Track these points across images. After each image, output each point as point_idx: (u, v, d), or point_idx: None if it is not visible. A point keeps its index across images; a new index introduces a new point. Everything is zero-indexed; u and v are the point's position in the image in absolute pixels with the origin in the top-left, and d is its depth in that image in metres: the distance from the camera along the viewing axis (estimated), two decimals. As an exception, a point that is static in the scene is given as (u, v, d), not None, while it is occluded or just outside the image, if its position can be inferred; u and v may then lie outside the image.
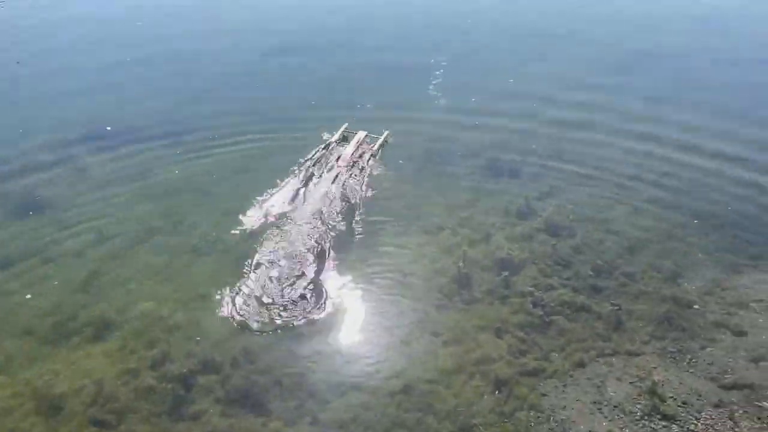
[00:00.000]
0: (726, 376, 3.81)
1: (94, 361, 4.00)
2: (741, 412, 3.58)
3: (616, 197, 5.51)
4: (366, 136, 6.39)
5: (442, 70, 8.05)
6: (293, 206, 5.42)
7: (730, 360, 3.92)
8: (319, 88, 7.80)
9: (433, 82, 7.73)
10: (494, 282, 4.64)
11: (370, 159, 6.13)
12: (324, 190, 5.55)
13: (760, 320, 4.20)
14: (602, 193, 5.59)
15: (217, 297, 4.41)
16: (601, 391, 3.80)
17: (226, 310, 4.32)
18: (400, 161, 6.13)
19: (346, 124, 6.65)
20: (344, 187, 5.59)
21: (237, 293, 4.46)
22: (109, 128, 6.73)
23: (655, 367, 3.91)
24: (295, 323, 4.22)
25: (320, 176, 5.74)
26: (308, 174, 5.75)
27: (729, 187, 5.56)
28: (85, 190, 5.77)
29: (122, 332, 4.21)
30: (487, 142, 6.39)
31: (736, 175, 5.71)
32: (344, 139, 6.46)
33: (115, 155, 6.28)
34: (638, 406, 3.67)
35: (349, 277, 4.63)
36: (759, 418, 3.53)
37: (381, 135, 6.43)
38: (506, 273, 4.72)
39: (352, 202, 5.49)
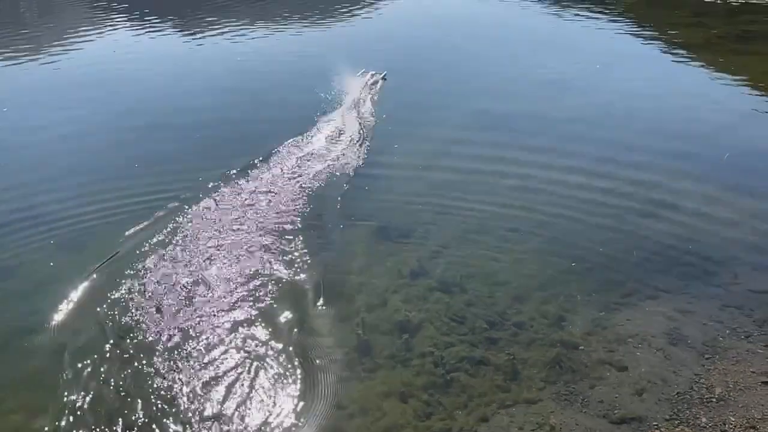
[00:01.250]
0: (615, 411, 4.04)
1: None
2: (632, 444, 3.80)
3: (499, 250, 5.83)
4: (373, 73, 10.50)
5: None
6: None
7: (617, 395, 4.17)
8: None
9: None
10: (395, 346, 4.68)
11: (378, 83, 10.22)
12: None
13: (638, 354, 4.53)
14: (487, 247, 5.88)
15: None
16: (505, 443, 3.88)
17: None
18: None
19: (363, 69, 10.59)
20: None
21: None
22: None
23: (552, 412, 4.07)
24: None
25: None
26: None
27: (598, 232, 6.06)
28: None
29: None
30: (374, 206, 6.57)
31: (601, 220, 6.25)
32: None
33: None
34: (541, 453, 3.78)
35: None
36: (648, 449, 3.76)
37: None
38: (406, 335, 4.78)
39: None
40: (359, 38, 15.00)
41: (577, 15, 16.93)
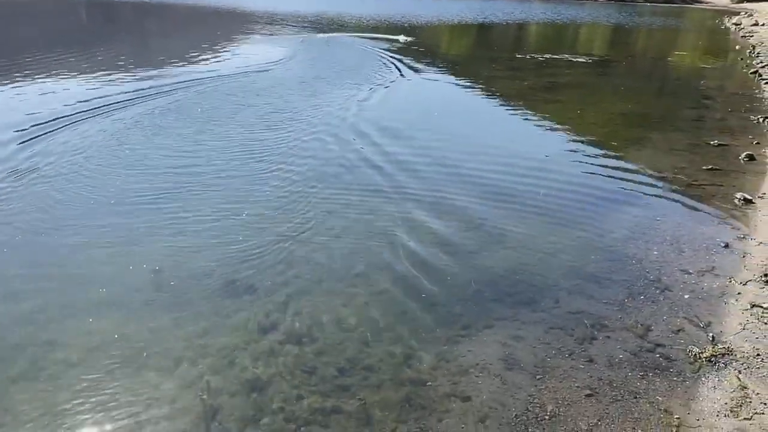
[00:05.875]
0: (462, 442, 4.21)
1: None
2: (479, 472, 3.96)
3: (347, 295, 5.89)
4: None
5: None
6: None
7: (463, 426, 4.35)
8: None
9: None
10: (244, 407, 4.47)
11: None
12: None
13: (479, 382, 4.79)
14: (335, 293, 5.91)
15: None
16: (361, 491, 3.84)
17: None
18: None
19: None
20: None
21: None
22: None
23: (404, 452, 4.13)
24: None
25: None
26: None
27: (435, 269, 6.38)
28: None
29: None
30: (216, 265, 6.33)
31: (438, 257, 6.62)
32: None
33: None
34: (395, 496, 3.79)
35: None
36: (493, 473, 3.95)
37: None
38: (255, 394, 4.59)
39: None
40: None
41: (409, 66, 18.15)
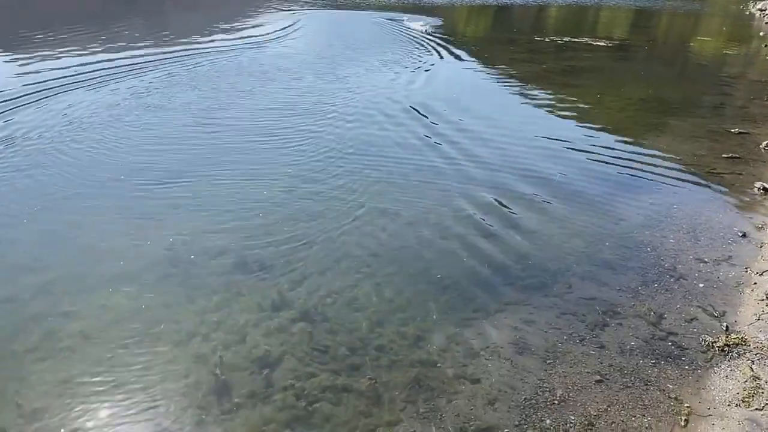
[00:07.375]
0: (470, 423, 4.23)
1: None
2: (487, 453, 3.99)
3: (360, 276, 5.91)
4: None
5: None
6: None
7: (472, 407, 4.38)
8: None
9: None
10: (255, 383, 4.53)
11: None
12: None
13: (489, 365, 4.80)
14: (348, 274, 5.94)
15: None
16: (369, 469, 3.89)
17: None
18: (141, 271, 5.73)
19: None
20: None
21: None
22: None
23: (413, 431, 4.16)
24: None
25: None
26: None
27: (449, 254, 6.38)
28: None
29: None
30: (231, 242, 6.38)
31: (451, 242, 6.62)
32: None
33: None
34: (404, 474, 3.84)
35: (85, 413, 4.07)
36: (501, 455, 3.97)
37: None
38: (267, 370, 4.65)
39: None
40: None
41: (428, 48, 17.96)
